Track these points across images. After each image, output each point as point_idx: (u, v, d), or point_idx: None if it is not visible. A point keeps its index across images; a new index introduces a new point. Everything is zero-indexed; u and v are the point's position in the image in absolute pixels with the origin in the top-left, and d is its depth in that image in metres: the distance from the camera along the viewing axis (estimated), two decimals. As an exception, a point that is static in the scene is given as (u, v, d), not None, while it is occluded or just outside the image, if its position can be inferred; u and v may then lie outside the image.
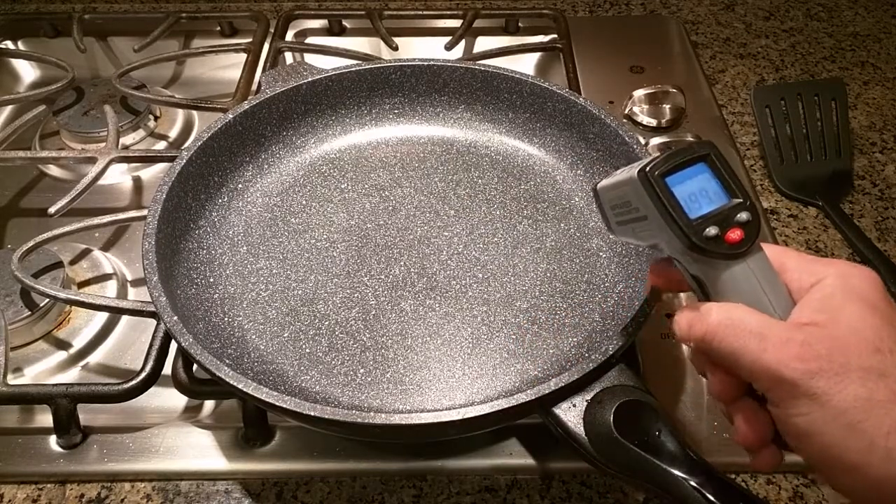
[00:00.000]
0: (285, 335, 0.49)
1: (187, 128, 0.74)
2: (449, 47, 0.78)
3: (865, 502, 0.29)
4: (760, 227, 0.32)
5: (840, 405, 0.27)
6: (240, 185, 0.58)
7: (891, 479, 0.27)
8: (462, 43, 0.79)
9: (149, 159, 0.67)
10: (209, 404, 0.51)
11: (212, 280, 0.52)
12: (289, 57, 0.80)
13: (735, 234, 0.31)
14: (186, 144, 0.58)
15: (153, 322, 0.51)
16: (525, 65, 0.80)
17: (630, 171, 0.33)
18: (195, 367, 0.48)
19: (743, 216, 0.31)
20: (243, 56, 0.75)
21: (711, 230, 0.31)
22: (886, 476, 0.27)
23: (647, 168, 0.32)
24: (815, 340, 0.29)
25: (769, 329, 0.30)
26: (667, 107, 0.70)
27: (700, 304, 0.33)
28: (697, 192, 0.32)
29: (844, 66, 0.80)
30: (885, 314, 0.30)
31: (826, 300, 0.30)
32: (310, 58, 0.76)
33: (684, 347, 0.52)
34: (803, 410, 0.28)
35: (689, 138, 0.65)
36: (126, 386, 0.47)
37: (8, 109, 0.75)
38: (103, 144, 0.65)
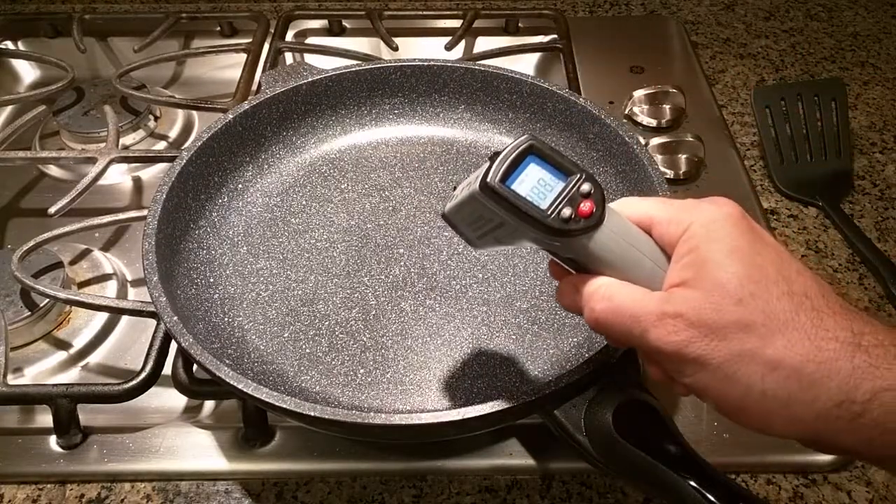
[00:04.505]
0: (285, 335, 0.49)
1: (187, 128, 0.74)
2: (449, 47, 0.78)
3: (759, 430, 0.32)
4: (603, 189, 0.33)
5: (714, 363, 0.31)
6: (240, 185, 0.58)
7: (768, 413, 0.31)
8: (462, 43, 0.79)
9: (149, 159, 0.67)
10: (209, 404, 0.51)
11: (212, 280, 0.52)
12: (289, 57, 0.80)
13: (586, 206, 0.33)
14: (186, 144, 0.58)
15: (153, 322, 0.51)
16: (525, 65, 0.80)
17: (471, 189, 0.34)
18: (195, 367, 0.48)
19: (585, 187, 0.33)
20: (243, 56, 0.75)
21: (565, 211, 0.33)
22: (764, 411, 0.31)
23: (487, 179, 0.33)
24: (685, 307, 0.31)
25: (643, 307, 0.32)
26: (667, 107, 0.70)
27: (580, 281, 0.35)
28: (537, 183, 0.33)
29: (844, 66, 0.80)
30: (746, 255, 0.31)
31: (692, 253, 0.32)
32: (310, 58, 0.76)
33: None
34: (688, 372, 0.32)
35: (690, 138, 0.65)
36: (126, 386, 0.47)
37: (8, 109, 0.75)
38: (103, 144, 0.65)
